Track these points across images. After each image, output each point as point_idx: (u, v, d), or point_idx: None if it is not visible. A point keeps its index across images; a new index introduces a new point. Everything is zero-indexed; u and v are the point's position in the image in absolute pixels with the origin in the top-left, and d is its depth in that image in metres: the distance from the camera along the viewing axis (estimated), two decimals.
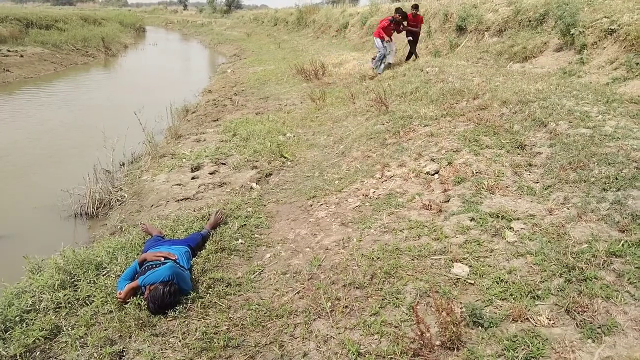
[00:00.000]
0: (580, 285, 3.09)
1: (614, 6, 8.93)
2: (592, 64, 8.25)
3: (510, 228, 3.94)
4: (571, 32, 8.99)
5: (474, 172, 5.03)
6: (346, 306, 3.32)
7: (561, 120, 5.69)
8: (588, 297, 2.97)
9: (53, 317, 3.43)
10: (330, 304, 3.37)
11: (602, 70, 7.91)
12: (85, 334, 3.27)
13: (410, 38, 12.48)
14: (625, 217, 3.73)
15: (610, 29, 8.39)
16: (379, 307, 3.25)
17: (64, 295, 3.62)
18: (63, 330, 3.31)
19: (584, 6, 9.49)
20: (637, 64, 7.31)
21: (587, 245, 3.50)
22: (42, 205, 6.42)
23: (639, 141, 4.90)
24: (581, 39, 8.80)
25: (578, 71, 8.28)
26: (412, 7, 12.14)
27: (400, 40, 13.59)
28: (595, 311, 2.85)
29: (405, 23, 12.21)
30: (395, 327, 3.04)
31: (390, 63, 12.41)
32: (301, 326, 3.21)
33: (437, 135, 6.17)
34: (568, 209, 4.06)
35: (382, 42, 11.90)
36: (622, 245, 3.41)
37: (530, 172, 4.92)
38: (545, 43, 9.88)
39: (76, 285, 3.80)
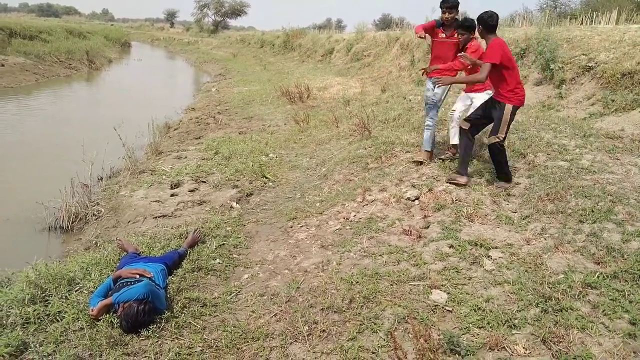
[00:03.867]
0: (556, 316, 3.11)
1: (591, 44, 9.22)
2: (570, 98, 8.47)
3: (489, 256, 3.97)
4: (551, 67, 9.24)
5: (454, 199, 5.08)
6: (323, 330, 3.29)
7: (540, 152, 5.81)
8: (564, 328, 2.99)
9: (20, 333, 3.30)
10: (307, 328, 3.33)
11: (579, 105, 8.12)
12: (54, 351, 3.15)
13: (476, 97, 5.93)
14: (601, 250, 3.80)
15: (588, 66, 8.66)
16: (356, 332, 3.21)
17: (34, 311, 3.50)
18: (30, 347, 3.18)
19: (563, 43, 9.79)
20: (613, 100, 7.53)
21: (563, 276, 3.54)
22: (15, 217, 6.25)
23: (614, 175, 5.02)
24: (560, 74, 9.06)
25: (557, 105, 8.49)
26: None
27: None
28: (571, 342, 2.87)
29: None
30: (373, 352, 3.01)
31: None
32: (277, 350, 3.15)
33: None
34: (545, 239, 4.12)
35: (431, 84, 5.96)
36: (598, 277, 3.46)
37: (508, 201, 4.99)
38: (526, 77, 10.13)
39: (47, 300, 3.69)
